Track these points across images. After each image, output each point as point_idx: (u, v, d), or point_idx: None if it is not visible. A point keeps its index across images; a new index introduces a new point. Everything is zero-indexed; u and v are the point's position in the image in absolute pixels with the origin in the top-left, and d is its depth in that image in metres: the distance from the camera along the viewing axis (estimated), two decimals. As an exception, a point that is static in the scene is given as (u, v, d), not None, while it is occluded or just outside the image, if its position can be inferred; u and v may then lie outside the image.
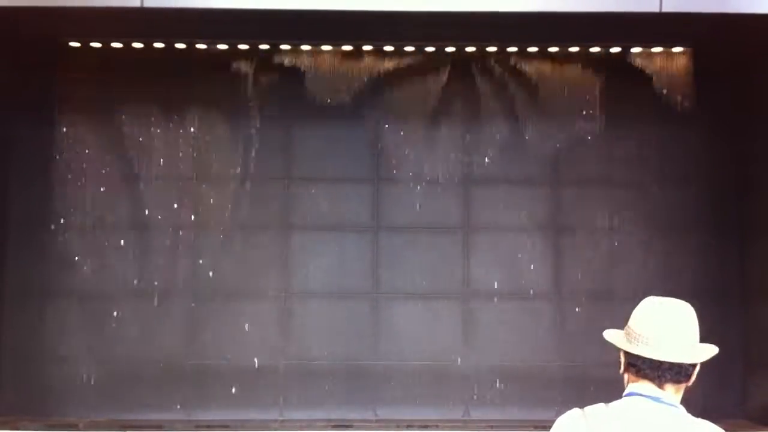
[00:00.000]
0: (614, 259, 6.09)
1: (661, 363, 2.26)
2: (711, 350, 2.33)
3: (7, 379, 5.89)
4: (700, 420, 2.25)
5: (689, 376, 2.29)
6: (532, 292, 6.08)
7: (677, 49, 5.78)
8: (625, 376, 2.37)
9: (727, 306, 6.00)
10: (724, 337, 5.56)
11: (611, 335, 2.41)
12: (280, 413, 5.93)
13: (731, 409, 5.83)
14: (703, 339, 2.37)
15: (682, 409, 2.28)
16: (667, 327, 2.28)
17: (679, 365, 2.26)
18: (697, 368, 2.32)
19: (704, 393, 5.20)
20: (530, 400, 5.85)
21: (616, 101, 6.09)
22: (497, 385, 6.00)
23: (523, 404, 5.86)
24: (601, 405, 2.30)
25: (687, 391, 2.36)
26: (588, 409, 2.29)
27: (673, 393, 2.28)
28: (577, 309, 6.05)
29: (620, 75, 5.97)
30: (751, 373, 5.90)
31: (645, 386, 2.28)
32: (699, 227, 6.13)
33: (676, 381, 2.27)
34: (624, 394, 2.32)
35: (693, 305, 2.38)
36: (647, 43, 5.75)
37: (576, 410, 2.31)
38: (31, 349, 5.94)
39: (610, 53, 5.85)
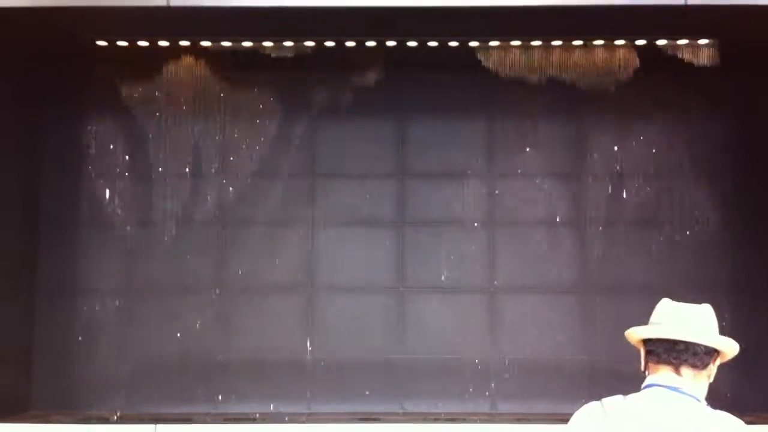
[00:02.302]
0: (640, 253, 6.06)
1: (676, 343, 2.29)
2: (729, 341, 2.34)
3: (40, 374, 5.99)
4: (718, 411, 2.26)
5: (706, 365, 2.30)
6: (557, 286, 6.09)
7: (702, 42, 5.74)
8: (647, 373, 2.39)
9: (754, 301, 5.95)
10: (750, 331, 5.53)
11: (630, 330, 2.45)
12: (307, 406, 5.98)
13: (758, 403, 5.79)
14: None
15: (703, 402, 2.29)
16: (684, 314, 2.34)
17: (695, 349, 2.28)
18: (716, 363, 2.33)
19: (731, 387, 5.19)
20: (556, 394, 5.85)
21: (642, 94, 6.07)
22: (523, 378, 6.01)
23: (549, 398, 5.87)
24: (619, 397, 2.32)
25: (714, 384, 2.36)
26: (606, 400, 2.32)
27: (691, 380, 2.29)
28: (603, 303, 6.04)
29: (646, 68, 5.95)
30: (778, 367, 5.87)
31: (663, 375, 2.30)
32: (725, 223, 6.09)
33: (693, 365, 2.29)
34: (643, 386, 2.34)
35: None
36: (673, 36, 5.72)
37: (594, 403, 2.33)
38: (63, 345, 6.03)
39: (635, 45, 5.82)
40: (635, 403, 2.28)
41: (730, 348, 2.34)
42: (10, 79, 5.71)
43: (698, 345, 2.29)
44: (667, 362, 2.30)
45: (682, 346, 2.29)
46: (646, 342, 2.37)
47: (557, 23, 5.50)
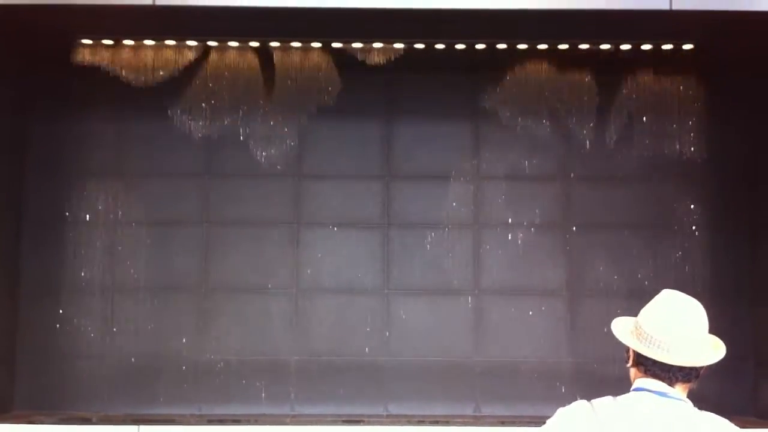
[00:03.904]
0: (624, 256, 6.09)
1: (672, 365, 2.28)
2: (720, 350, 2.34)
3: (22, 373, 5.95)
4: (706, 413, 2.27)
5: (698, 376, 2.31)
6: (542, 288, 6.10)
7: (687, 47, 5.77)
8: (632, 370, 2.39)
9: (738, 304, 6.00)
10: (734, 335, 5.55)
11: (620, 330, 2.40)
12: (291, 408, 5.97)
13: (742, 407, 5.82)
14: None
15: (689, 403, 2.30)
16: (678, 330, 2.29)
17: (690, 367, 2.28)
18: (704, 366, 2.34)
19: (715, 391, 5.20)
20: (541, 397, 5.86)
21: (624, 99, 6.10)
22: (508, 381, 6.02)
23: (533, 401, 5.87)
24: (609, 398, 2.32)
25: (698, 389, 2.38)
26: (596, 401, 2.32)
27: (681, 390, 2.30)
28: (587, 306, 6.06)
29: (629, 72, 5.98)
30: (761, 371, 5.90)
31: (653, 383, 2.31)
32: (709, 226, 6.12)
33: (686, 381, 2.30)
34: (632, 388, 2.34)
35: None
36: (657, 41, 5.75)
37: (583, 402, 2.33)
38: (45, 345, 5.99)
39: (619, 49, 5.84)
40: (625, 404, 2.29)
41: (721, 356, 2.35)
42: (-6, 77, 5.68)
43: (697, 367, 2.28)
44: (661, 378, 2.29)
45: (677, 368, 2.28)
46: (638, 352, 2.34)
47: (542, 27, 5.51)
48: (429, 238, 6.16)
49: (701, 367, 2.29)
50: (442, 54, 5.92)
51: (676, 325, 2.29)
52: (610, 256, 6.10)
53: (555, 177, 6.18)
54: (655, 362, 2.28)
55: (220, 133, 6.15)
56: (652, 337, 2.29)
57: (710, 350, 2.30)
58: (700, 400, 2.38)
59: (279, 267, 6.13)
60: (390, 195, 6.18)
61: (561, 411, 2.35)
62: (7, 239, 5.91)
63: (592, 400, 2.32)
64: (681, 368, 2.26)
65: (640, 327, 2.33)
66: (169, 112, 6.09)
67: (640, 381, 2.32)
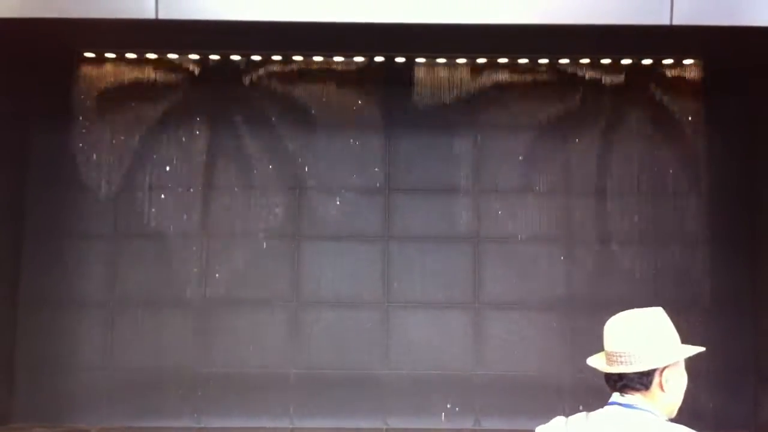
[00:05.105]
0: (625, 269, 6.09)
1: (609, 375, 2.36)
2: (662, 357, 2.32)
3: (21, 386, 5.95)
4: (675, 425, 2.28)
5: (648, 384, 2.31)
6: (542, 302, 6.10)
7: (687, 61, 5.80)
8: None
9: (738, 318, 5.98)
10: (735, 349, 5.57)
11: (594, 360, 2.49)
12: (290, 421, 5.96)
13: (742, 421, 5.80)
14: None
15: (661, 416, 2.31)
16: (615, 341, 2.36)
17: (629, 377, 2.31)
18: (665, 374, 2.31)
19: (716, 405, 5.20)
20: (540, 410, 5.83)
21: (627, 112, 6.12)
22: (507, 394, 6.01)
23: (532, 414, 5.85)
24: (582, 414, 2.37)
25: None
26: (571, 417, 2.39)
27: (641, 399, 2.32)
28: (586, 320, 6.05)
29: (630, 86, 6.00)
30: (762, 386, 5.89)
31: (617, 395, 2.35)
32: (710, 239, 6.13)
33: (634, 389, 2.32)
34: (607, 403, 2.39)
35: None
36: (658, 55, 5.78)
37: (561, 418, 2.39)
38: (44, 357, 5.99)
39: (620, 63, 5.87)
40: (594, 419, 2.33)
41: (666, 360, 2.33)
42: (-3, 90, 5.71)
43: (628, 374, 2.31)
44: (612, 388, 2.35)
45: (616, 377, 2.33)
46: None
47: (544, 42, 5.54)
48: (429, 252, 6.16)
49: (649, 376, 2.29)
50: (444, 67, 5.95)
51: (612, 335, 2.37)
52: (610, 271, 6.11)
53: (556, 192, 6.19)
54: (604, 374, 2.38)
55: (224, 146, 6.17)
56: (605, 352, 2.40)
57: (650, 358, 2.30)
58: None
59: (280, 280, 6.13)
60: (390, 208, 6.19)
61: (539, 429, 2.41)
62: (8, 251, 5.92)
63: (570, 416, 2.37)
64: (620, 377, 2.32)
65: None
66: (167, 125, 6.13)
67: (612, 396, 2.38)
